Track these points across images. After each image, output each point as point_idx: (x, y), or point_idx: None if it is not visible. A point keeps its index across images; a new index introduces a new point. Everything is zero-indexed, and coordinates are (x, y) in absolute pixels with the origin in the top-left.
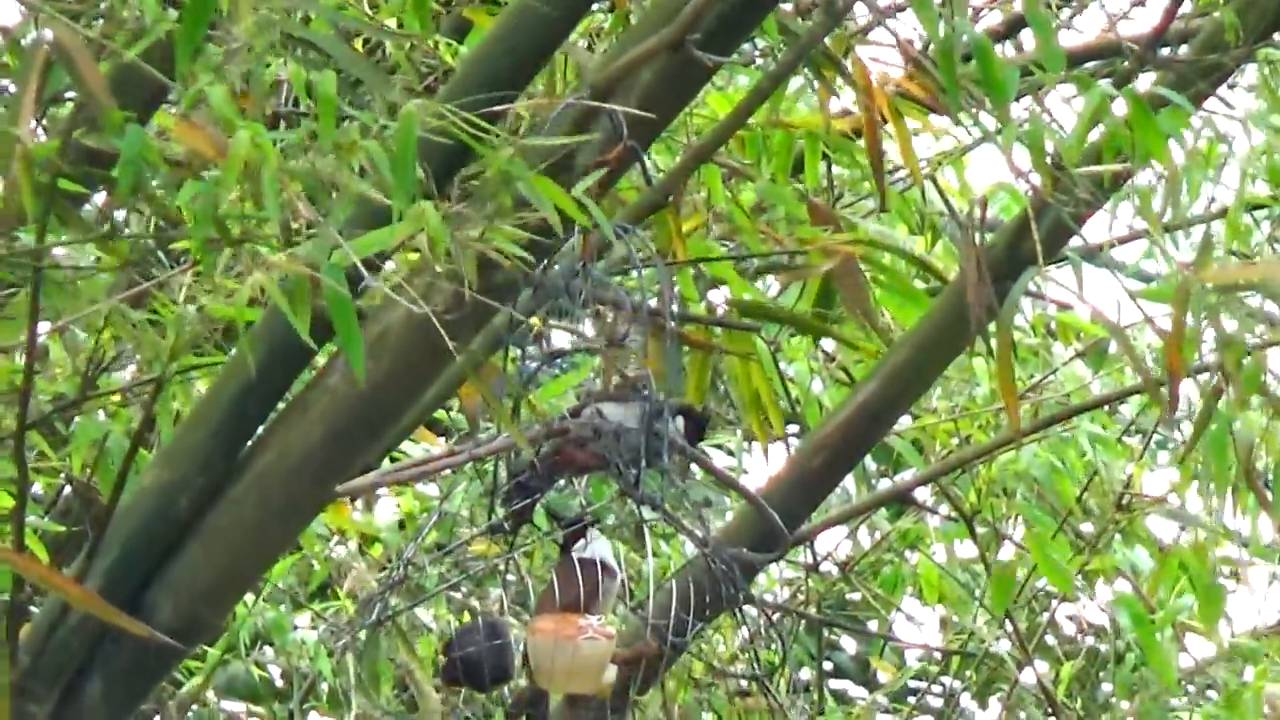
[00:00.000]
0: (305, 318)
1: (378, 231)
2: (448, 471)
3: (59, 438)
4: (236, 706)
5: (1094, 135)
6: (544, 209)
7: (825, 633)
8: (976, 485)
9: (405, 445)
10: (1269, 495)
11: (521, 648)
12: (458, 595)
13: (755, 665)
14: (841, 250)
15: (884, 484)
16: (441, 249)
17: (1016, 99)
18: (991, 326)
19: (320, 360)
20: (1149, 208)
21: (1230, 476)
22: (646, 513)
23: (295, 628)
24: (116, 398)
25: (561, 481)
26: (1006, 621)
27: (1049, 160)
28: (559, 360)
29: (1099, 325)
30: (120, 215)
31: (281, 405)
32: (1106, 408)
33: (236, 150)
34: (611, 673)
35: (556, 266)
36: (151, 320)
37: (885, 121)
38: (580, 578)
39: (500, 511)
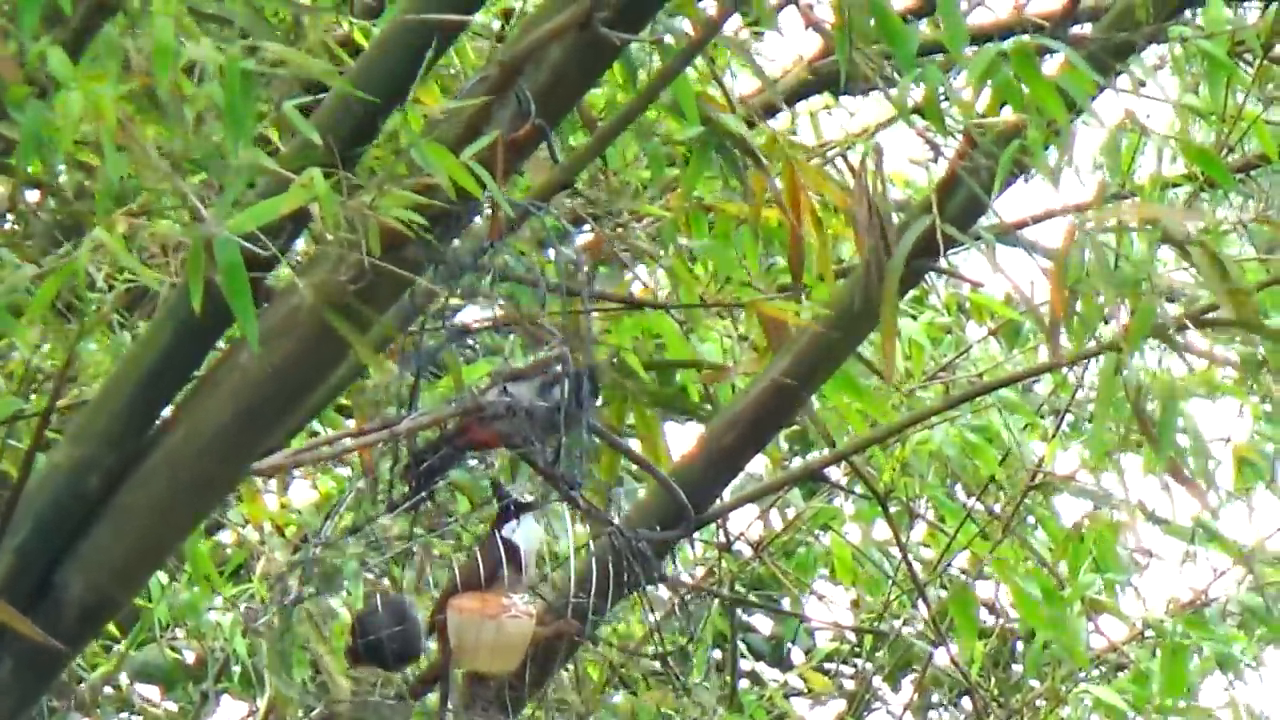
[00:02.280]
0: (199, 288)
1: (268, 200)
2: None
3: None
4: (150, 690)
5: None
6: (436, 175)
7: (739, 613)
8: (889, 465)
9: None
10: (1156, 435)
11: (428, 626)
12: (369, 576)
13: (661, 645)
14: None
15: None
16: (331, 216)
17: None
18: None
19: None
20: (1042, 161)
21: (1120, 425)
22: (552, 492)
23: (210, 609)
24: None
25: (474, 461)
26: (920, 602)
27: (960, 134)
28: (467, 337)
29: (1011, 305)
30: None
31: (191, 383)
32: (1020, 388)
33: (70, 108)
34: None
35: (463, 243)
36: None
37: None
38: (502, 555)
39: (403, 490)
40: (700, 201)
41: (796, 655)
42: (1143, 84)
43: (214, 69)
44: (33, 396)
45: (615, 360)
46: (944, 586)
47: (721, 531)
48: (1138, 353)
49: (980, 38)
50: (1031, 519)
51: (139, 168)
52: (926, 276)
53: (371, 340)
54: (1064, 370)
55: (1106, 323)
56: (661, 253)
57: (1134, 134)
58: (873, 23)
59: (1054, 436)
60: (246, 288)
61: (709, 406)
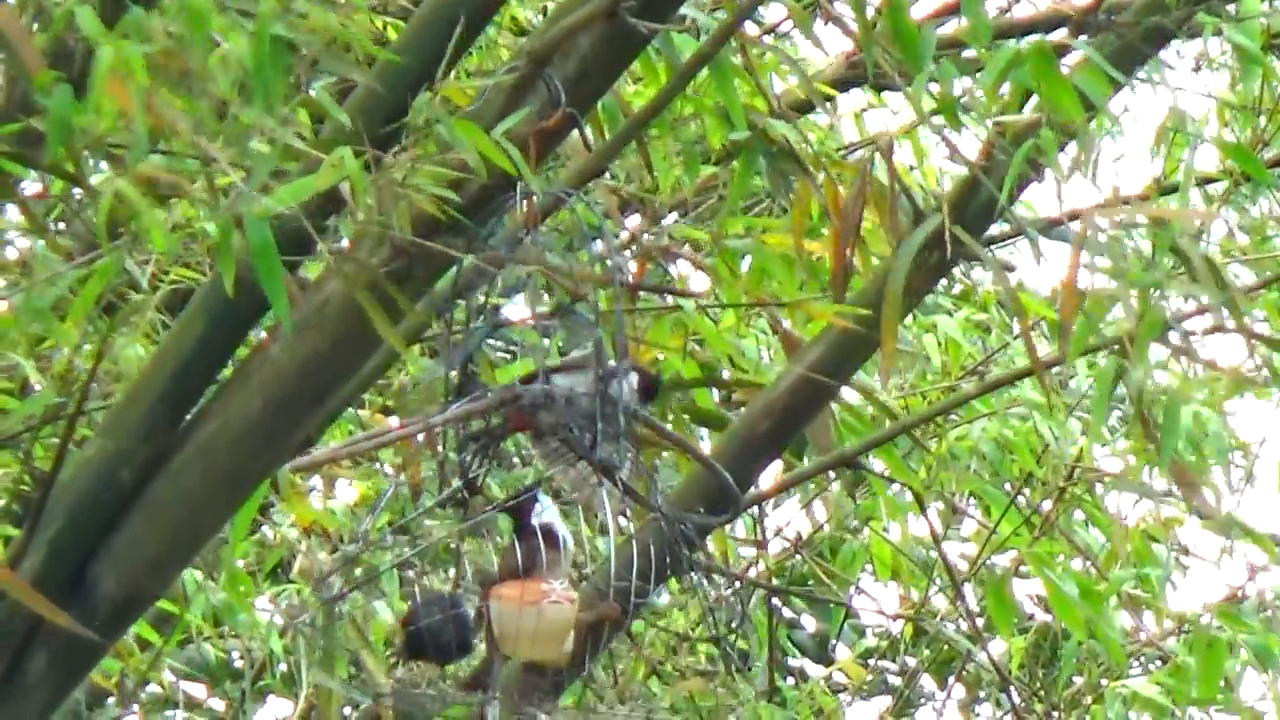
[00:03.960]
0: (230, 268)
1: (299, 180)
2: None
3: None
4: (194, 687)
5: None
6: (465, 152)
7: (783, 609)
8: (927, 461)
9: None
10: (1157, 434)
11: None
12: (411, 574)
13: (714, 628)
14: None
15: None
16: (362, 195)
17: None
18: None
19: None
20: (1054, 159)
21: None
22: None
23: (249, 611)
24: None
25: (514, 450)
26: (963, 596)
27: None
28: (507, 328)
29: (1048, 300)
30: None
31: (224, 376)
32: (1059, 383)
33: (101, 64)
34: (571, 639)
35: (499, 232)
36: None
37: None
38: (540, 543)
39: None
40: (747, 232)
41: (842, 653)
42: (1170, 69)
43: (243, 36)
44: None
45: (658, 366)
46: (983, 582)
47: (759, 527)
48: (1144, 355)
49: (1007, 33)
50: (1079, 514)
51: (166, 130)
52: (969, 273)
53: (403, 330)
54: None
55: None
56: (703, 254)
57: (1175, 131)
58: (884, 25)
59: (1089, 433)
60: (278, 268)
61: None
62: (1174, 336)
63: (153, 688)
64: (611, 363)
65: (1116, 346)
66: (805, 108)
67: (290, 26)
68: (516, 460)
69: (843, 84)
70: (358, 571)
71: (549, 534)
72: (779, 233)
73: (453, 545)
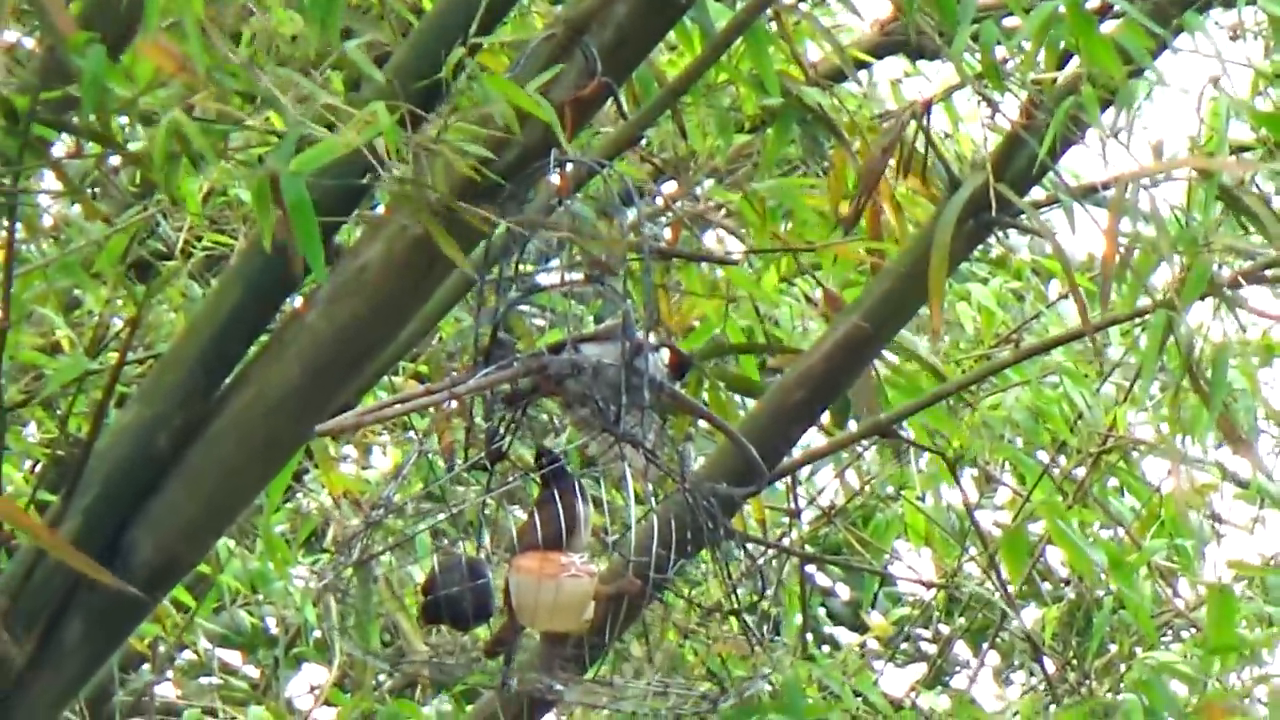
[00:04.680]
0: (269, 224)
1: (332, 137)
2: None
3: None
4: (229, 654)
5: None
6: (497, 108)
7: (818, 578)
8: (959, 430)
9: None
10: (1208, 391)
11: (501, 586)
12: (441, 539)
13: (736, 601)
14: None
15: None
16: (394, 148)
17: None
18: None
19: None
20: (1095, 114)
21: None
22: (626, 449)
23: (283, 578)
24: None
25: (545, 416)
26: (996, 565)
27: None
28: (539, 293)
29: (1082, 267)
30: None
31: (260, 342)
32: (1092, 350)
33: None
34: (591, 610)
35: (533, 199)
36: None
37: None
38: (560, 514)
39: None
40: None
41: (876, 620)
42: (1207, 37)
43: None
44: (105, 357)
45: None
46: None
47: (791, 495)
48: (1190, 310)
49: None
50: (1114, 482)
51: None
52: (1004, 239)
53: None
54: (1134, 332)
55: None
56: (729, 204)
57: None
58: None
59: (1124, 400)
60: (314, 226)
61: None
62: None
63: (187, 654)
64: (640, 334)
65: (1162, 303)
66: (840, 76)
67: None
68: (548, 427)
69: (879, 52)
70: (382, 537)
71: (570, 504)
72: (814, 195)
73: (482, 511)
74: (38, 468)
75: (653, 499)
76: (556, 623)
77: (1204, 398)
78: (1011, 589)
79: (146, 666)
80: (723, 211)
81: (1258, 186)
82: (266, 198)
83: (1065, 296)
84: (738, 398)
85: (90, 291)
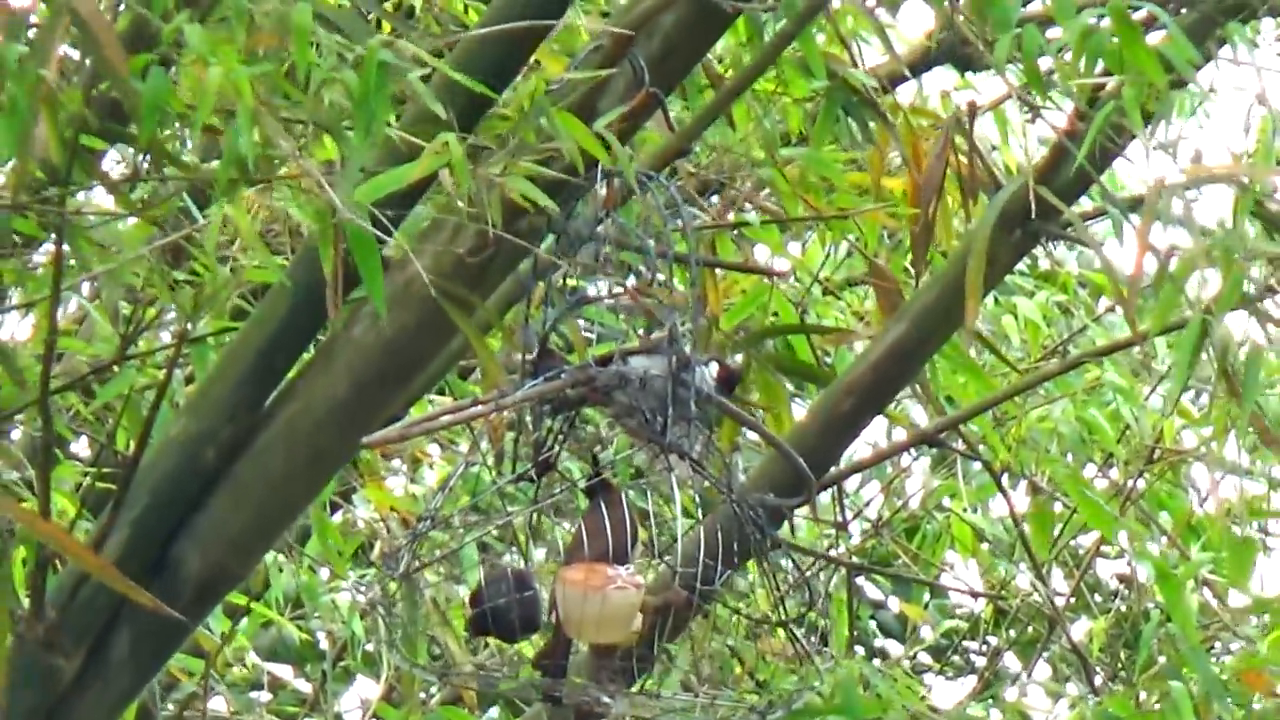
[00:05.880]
0: (329, 255)
1: (398, 168)
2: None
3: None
4: (281, 669)
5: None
6: (565, 144)
7: (868, 591)
8: (1006, 441)
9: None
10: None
11: (549, 597)
12: (488, 552)
13: (784, 612)
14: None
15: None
16: (465, 183)
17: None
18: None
19: None
20: (1137, 118)
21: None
22: (673, 460)
23: (330, 592)
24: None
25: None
26: (1044, 577)
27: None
28: (585, 306)
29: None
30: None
31: (307, 356)
32: (1140, 363)
33: (210, 84)
34: (638, 622)
35: (580, 213)
36: (188, 281)
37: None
38: (609, 527)
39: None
40: (822, 179)
41: (927, 634)
42: (1251, 47)
43: (350, 58)
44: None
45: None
46: (1064, 563)
47: (838, 507)
48: (1227, 312)
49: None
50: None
51: (267, 141)
52: (1052, 250)
53: (480, 319)
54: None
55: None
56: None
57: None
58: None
59: (1171, 412)
60: (377, 259)
61: (830, 368)
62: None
63: (236, 669)
64: (688, 349)
65: (1202, 311)
66: (893, 81)
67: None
68: (596, 439)
69: (928, 62)
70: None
71: (618, 517)
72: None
73: (530, 522)
74: (81, 488)
75: (701, 510)
76: (603, 634)
77: (1237, 399)
78: (1061, 600)
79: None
80: (765, 192)
81: None
82: (329, 228)
83: (1112, 310)
84: (792, 386)
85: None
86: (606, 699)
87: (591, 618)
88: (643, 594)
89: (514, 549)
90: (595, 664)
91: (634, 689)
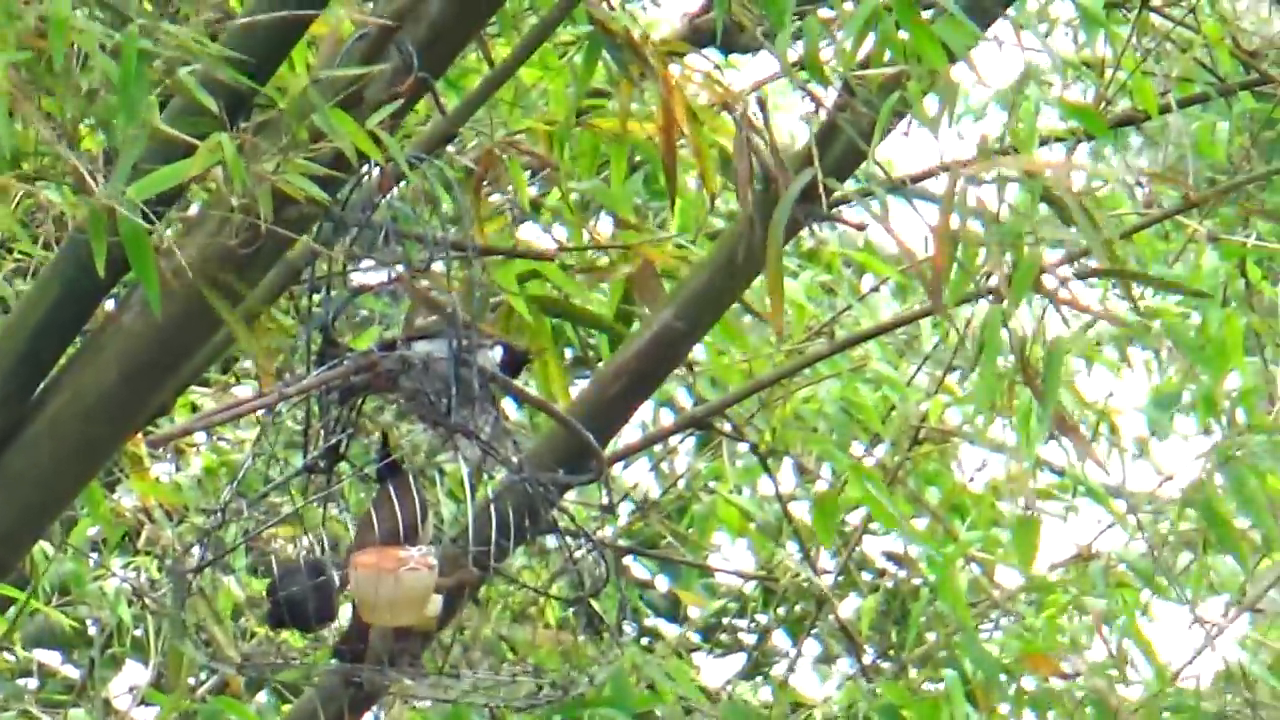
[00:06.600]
0: (103, 251)
1: (172, 165)
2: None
3: None
4: (49, 655)
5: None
6: (340, 142)
7: (635, 571)
8: (772, 422)
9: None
10: (1042, 387)
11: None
12: (267, 546)
13: (581, 588)
14: (646, 254)
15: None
16: (239, 181)
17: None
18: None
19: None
20: (922, 110)
21: (1005, 376)
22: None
23: (96, 579)
24: None
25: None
26: (814, 557)
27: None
28: (363, 295)
29: (894, 261)
30: None
31: (75, 346)
32: (904, 343)
33: None
34: (437, 603)
35: (353, 199)
36: None
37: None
38: (398, 509)
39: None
40: (577, 118)
41: (695, 613)
42: (1023, 27)
43: (109, 47)
44: None
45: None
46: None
47: (604, 490)
48: (1020, 305)
49: None
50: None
51: (30, 133)
52: (818, 231)
53: (247, 308)
54: (948, 324)
55: (987, 278)
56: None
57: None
58: None
59: (937, 391)
60: (149, 253)
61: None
62: (1049, 281)
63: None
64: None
65: (991, 296)
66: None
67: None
68: (383, 424)
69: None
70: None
71: (416, 498)
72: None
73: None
74: None
75: (488, 489)
76: (398, 617)
77: (1036, 391)
78: (829, 578)
79: None
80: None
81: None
82: (101, 225)
83: (877, 289)
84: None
85: None
86: (409, 681)
87: (385, 600)
88: (435, 575)
89: (295, 540)
90: (397, 648)
91: (430, 670)
